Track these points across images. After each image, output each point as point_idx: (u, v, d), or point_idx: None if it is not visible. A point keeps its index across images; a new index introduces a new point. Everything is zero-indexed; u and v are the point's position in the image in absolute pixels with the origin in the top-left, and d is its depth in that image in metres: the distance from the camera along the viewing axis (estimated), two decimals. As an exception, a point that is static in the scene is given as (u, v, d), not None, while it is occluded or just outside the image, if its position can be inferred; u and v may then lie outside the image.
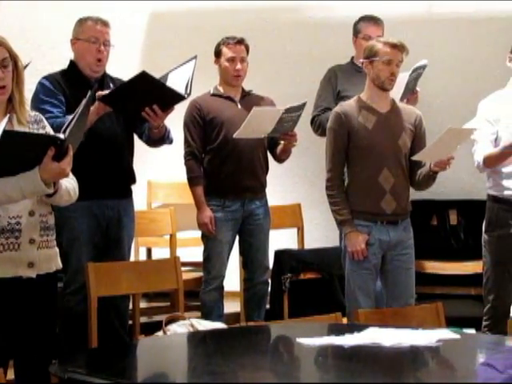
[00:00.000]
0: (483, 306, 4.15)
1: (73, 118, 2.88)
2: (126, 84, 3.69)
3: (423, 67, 4.36)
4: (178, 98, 3.71)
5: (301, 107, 4.07)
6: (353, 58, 4.87)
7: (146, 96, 3.67)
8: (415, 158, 3.78)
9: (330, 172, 3.91)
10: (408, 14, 5.54)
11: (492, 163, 4.02)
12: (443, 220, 5.27)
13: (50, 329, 2.99)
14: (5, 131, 2.71)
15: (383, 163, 3.83)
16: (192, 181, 4.32)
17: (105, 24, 3.93)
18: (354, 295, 3.88)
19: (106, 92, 3.70)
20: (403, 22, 5.24)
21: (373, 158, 3.83)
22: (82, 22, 3.94)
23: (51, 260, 3.00)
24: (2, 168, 2.76)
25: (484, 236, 4.12)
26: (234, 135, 4.10)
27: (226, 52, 4.31)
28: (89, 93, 3.07)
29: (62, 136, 2.80)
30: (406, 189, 3.90)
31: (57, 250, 3.06)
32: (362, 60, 3.93)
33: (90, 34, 3.89)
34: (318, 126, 4.70)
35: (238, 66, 4.30)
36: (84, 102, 2.97)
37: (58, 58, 4.18)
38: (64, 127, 2.89)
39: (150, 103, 3.70)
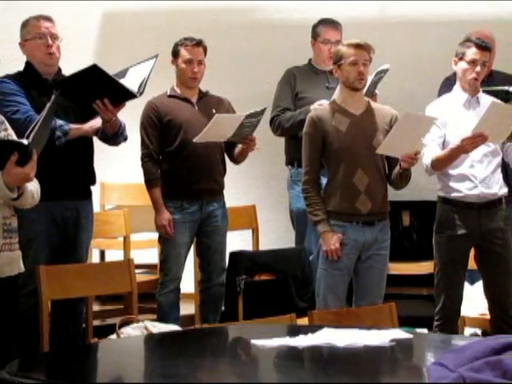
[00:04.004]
0: (435, 306, 4.19)
1: (37, 123, 2.86)
2: (76, 74, 3.68)
3: (385, 71, 4.42)
4: (128, 95, 3.72)
5: (261, 113, 4.09)
6: (310, 59, 4.91)
7: (97, 89, 3.67)
8: (378, 151, 3.82)
9: (306, 175, 3.97)
10: (361, 17, 5.60)
11: (440, 166, 4.07)
12: (396, 221, 5.32)
13: (6, 333, 2.95)
14: None
15: (357, 164, 3.88)
16: (149, 183, 4.30)
17: (48, 19, 3.93)
18: (323, 295, 3.93)
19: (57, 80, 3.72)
20: (356, 24, 5.29)
21: (347, 159, 3.88)
22: (25, 24, 3.96)
23: (14, 263, 2.97)
24: None
25: (434, 237, 4.17)
26: (195, 140, 4.10)
27: (184, 54, 4.29)
28: (52, 97, 3.06)
29: (25, 141, 2.78)
30: (382, 189, 3.96)
31: (19, 253, 3.03)
32: (331, 66, 3.98)
33: (36, 32, 3.90)
34: (277, 127, 4.75)
35: (195, 69, 4.29)
36: (48, 105, 2.96)
37: (9, 59, 4.14)
38: (28, 132, 2.87)
39: (101, 96, 3.70)
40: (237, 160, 4.44)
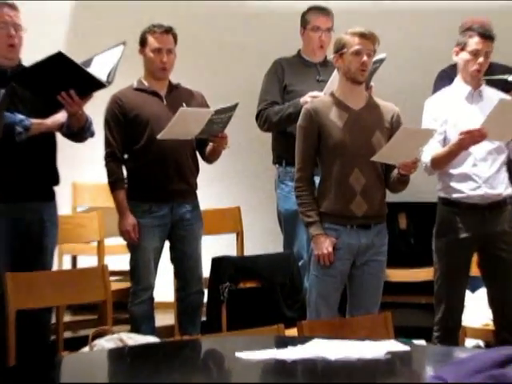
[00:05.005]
0: (434, 315, 4.19)
1: None
2: (40, 63, 3.65)
3: (380, 61, 4.41)
4: (97, 84, 3.72)
5: (232, 108, 4.07)
6: (300, 50, 4.93)
7: (62, 79, 3.66)
8: (374, 158, 3.82)
9: (299, 172, 3.96)
10: (354, 4, 5.61)
11: (440, 164, 4.08)
12: (392, 224, 5.30)
13: None
14: None
15: (354, 163, 3.88)
16: (113, 185, 4.28)
17: (12, 7, 3.89)
18: (315, 303, 3.94)
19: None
20: (349, 12, 5.30)
21: (343, 157, 3.88)
22: None
23: None
24: None
25: (434, 241, 4.18)
26: (158, 136, 4.08)
27: (152, 42, 4.26)
28: (1, 91, 3.04)
29: None
30: (379, 190, 3.95)
31: None
32: (332, 56, 3.98)
33: None
34: (264, 121, 4.75)
35: (165, 59, 4.25)
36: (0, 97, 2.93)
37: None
38: None
39: (67, 87, 3.68)
40: (209, 159, 4.42)
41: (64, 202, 4.78)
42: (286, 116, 4.63)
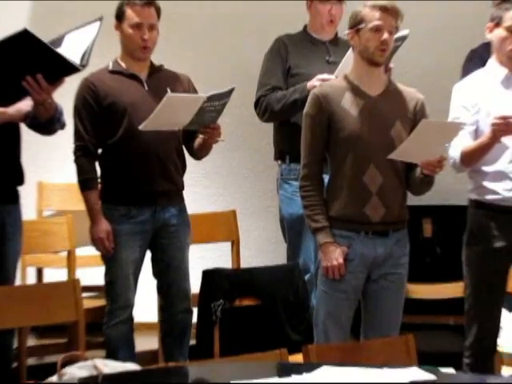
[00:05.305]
0: (464, 338, 4.21)
1: None
2: (1, 43, 3.63)
3: (403, 39, 4.43)
4: (69, 68, 3.72)
5: (227, 94, 4.09)
6: (306, 26, 4.94)
7: (28, 61, 3.66)
8: (391, 156, 3.82)
9: (305, 168, 3.97)
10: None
11: (471, 160, 4.09)
12: (415, 231, 5.34)
13: None
14: None
15: (370, 159, 3.87)
16: (84, 184, 4.30)
17: None
18: (323, 324, 3.94)
19: None
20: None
21: (357, 151, 3.87)
22: None
23: None
24: None
25: (465, 251, 4.19)
26: (140, 127, 4.09)
27: (131, 16, 4.27)
28: None
29: None
30: (398, 191, 3.95)
31: None
32: (345, 32, 3.98)
33: None
34: (264, 109, 4.78)
35: (146, 36, 4.26)
36: None
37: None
38: None
39: (33, 71, 3.68)
40: (198, 154, 4.44)
41: (28, 204, 4.78)
42: (291, 103, 4.64)
